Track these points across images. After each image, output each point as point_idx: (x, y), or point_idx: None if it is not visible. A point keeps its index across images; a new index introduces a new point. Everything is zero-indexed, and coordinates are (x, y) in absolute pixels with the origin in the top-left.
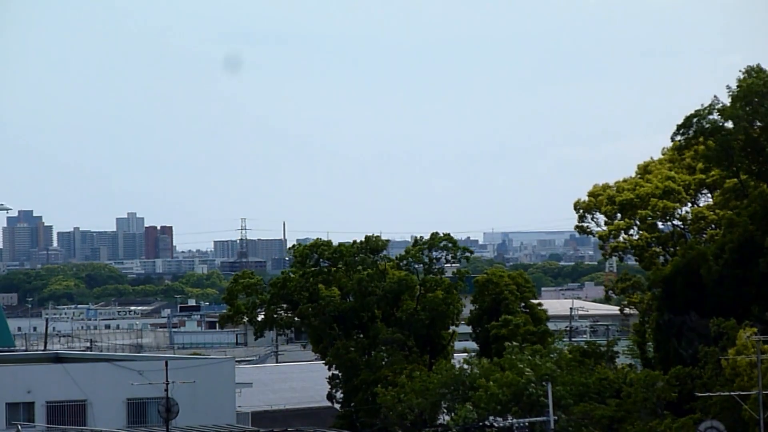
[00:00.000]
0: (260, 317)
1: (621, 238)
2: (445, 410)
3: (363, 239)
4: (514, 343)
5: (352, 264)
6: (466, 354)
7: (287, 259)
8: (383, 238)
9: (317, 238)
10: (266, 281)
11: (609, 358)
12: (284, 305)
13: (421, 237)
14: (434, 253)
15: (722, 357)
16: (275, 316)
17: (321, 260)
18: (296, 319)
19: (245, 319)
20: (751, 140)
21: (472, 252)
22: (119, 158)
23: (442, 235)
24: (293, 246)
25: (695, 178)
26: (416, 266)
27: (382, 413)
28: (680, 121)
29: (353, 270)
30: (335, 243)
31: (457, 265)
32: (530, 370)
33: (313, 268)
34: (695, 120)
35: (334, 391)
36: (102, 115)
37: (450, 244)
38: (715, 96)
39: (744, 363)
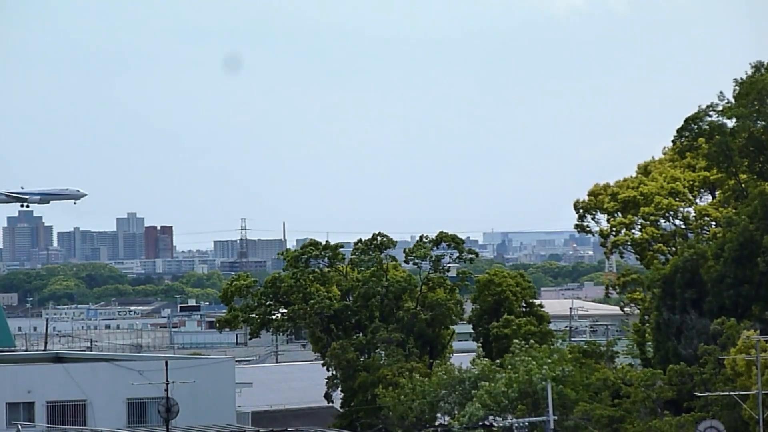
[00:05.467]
0: (257, 318)
1: (622, 234)
2: (444, 411)
3: (370, 237)
4: (521, 341)
5: (357, 262)
6: (467, 354)
7: (281, 258)
8: (384, 236)
9: (310, 239)
10: (263, 282)
11: (609, 358)
12: (278, 306)
13: (426, 236)
14: (439, 250)
15: (722, 356)
16: (270, 317)
17: (318, 260)
18: (288, 321)
19: (241, 321)
20: (754, 139)
21: (477, 254)
22: (119, 158)
23: (448, 234)
24: (285, 250)
25: (699, 175)
26: (421, 263)
27: (383, 414)
28: (681, 121)
29: (358, 269)
30: (334, 243)
31: (460, 265)
32: (544, 369)
33: (305, 268)
34: (694, 122)
35: (331, 390)
36: (102, 114)
37: (455, 244)
38: (720, 92)
39: (742, 363)
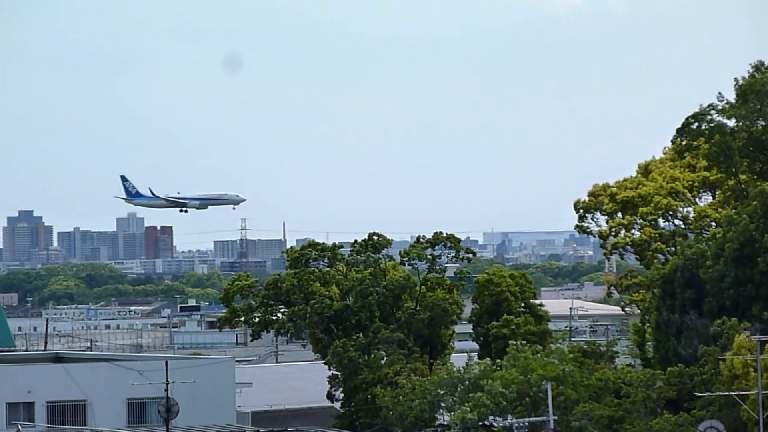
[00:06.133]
0: (257, 319)
1: (622, 235)
2: (444, 411)
3: (366, 237)
4: (518, 342)
5: (353, 263)
6: (467, 354)
7: (284, 257)
8: (380, 235)
9: (311, 240)
10: (264, 282)
11: (609, 358)
12: (280, 307)
13: (423, 236)
14: (436, 250)
15: (721, 357)
16: (272, 317)
17: (319, 260)
18: (288, 322)
19: (242, 321)
20: (754, 139)
21: (474, 253)
22: (119, 158)
23: (445, 234)
24: (287, 249)
25: (699, 175)
26: (418, 264)
27: (383, 413)
28: (681, 121)
29: (355, 269)
30: (335, 243)
31: (458, 265)
32: (542, 370)
33: (306, 269)
34: (694, 122)
35: (333, 390)
36: (102, 114)
37: (451, 243)
38: (719, 93)
39: (739, 363)
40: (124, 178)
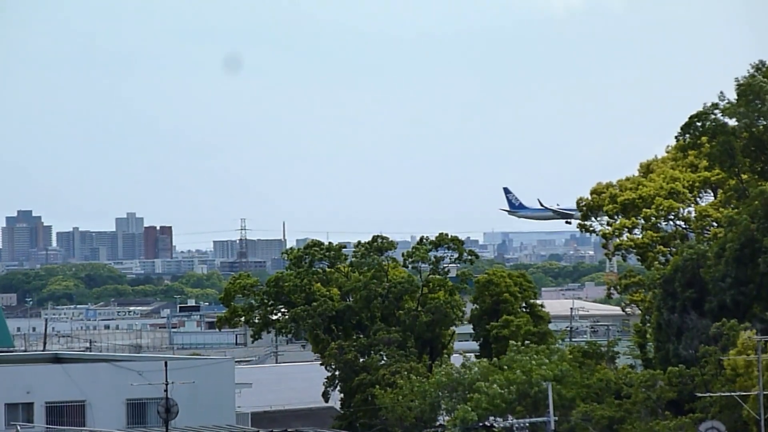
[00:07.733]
0: (257, 319)
1: (624, 237)
2: (443, 412)
3: (370, 239)
4: (518, 342)
5: (357, 265)
6: (467, 354)
7: (284, 259)
8: (384, 238)
9: (312, 239)
10: (265, 282)
11: (610, 358)
12: (281, 307)
13: (426, 237)
14: (440, 252)
15: (722, 357)
16: (272, 317)
17: (321, 260)
18: (291, 322)
19: (242, 321)
20: (755, 139)
21: (477, 256)
22: (119, 158)
23: (450, 236)
24: (288, 249)
25: (699, 176)
26: (422, 265)
27: (382, 414)
28: (684, 119)
29: (359, 271)
30: (335, 243)
31: (460, 265)
32: (543, 369)
33: (308, 268)
34: (698, 120)
35: (331, 390)
36: (102, 114)
37: (454, 245)
38: (721, 92)
39: (741, 363)
40: (507, 190)
